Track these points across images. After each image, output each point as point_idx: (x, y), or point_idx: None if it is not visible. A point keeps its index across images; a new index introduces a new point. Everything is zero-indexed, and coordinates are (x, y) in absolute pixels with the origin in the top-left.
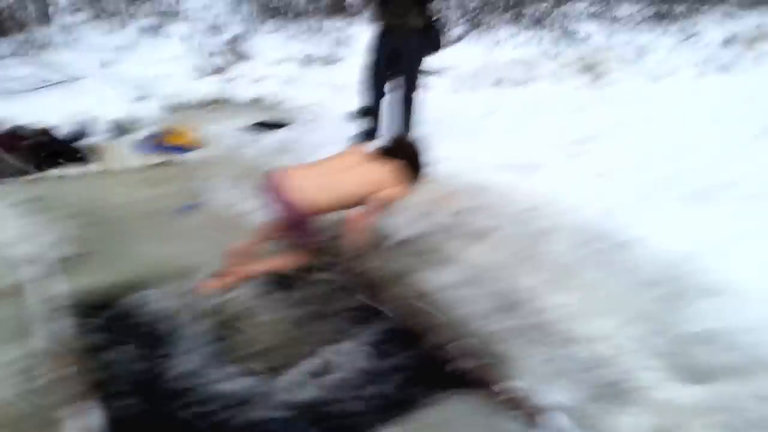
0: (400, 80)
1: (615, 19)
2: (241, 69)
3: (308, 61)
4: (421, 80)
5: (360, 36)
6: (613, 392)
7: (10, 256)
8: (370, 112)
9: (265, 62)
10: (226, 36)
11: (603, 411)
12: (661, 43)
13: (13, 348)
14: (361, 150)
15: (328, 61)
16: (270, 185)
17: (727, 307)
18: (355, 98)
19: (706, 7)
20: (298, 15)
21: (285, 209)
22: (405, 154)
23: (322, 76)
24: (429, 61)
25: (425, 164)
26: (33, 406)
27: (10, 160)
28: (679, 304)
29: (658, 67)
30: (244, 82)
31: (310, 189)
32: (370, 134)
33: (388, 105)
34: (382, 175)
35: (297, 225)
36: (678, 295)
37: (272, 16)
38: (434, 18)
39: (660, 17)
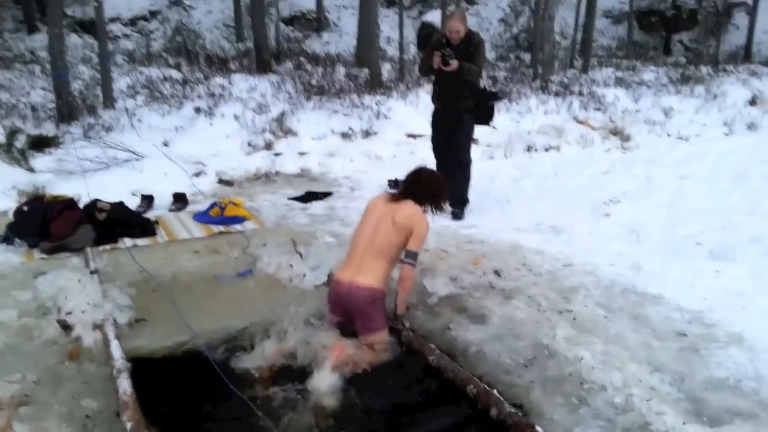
0: (455, 151)
1: (641, 83)
2: (287, 144)
3: (349, 134)
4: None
5: (397, 109)
6: None
7: (80, 321)
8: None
9: (309, 136)
10: (273, 114)
11: None
12: (688, 105)
13: (79, 404)
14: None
15: (368, 133)
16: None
17: (741, 358)
18: (393, 167)
19: (731, 66)
20: (339, 92)
21: (361, 295)
22: (427, 190)
23: (362, 147)
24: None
25: (445, 193)
26: None
27: (87, 231)
28: (695, 356)
29: (685, 127)
30: (290, 156)
31: (365, 268)
32: None
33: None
34: (413, 216)
35: (375, 303)
36: (696, 347)
37: (314, 94)
38: (488, 92)
39: (685, 79)
